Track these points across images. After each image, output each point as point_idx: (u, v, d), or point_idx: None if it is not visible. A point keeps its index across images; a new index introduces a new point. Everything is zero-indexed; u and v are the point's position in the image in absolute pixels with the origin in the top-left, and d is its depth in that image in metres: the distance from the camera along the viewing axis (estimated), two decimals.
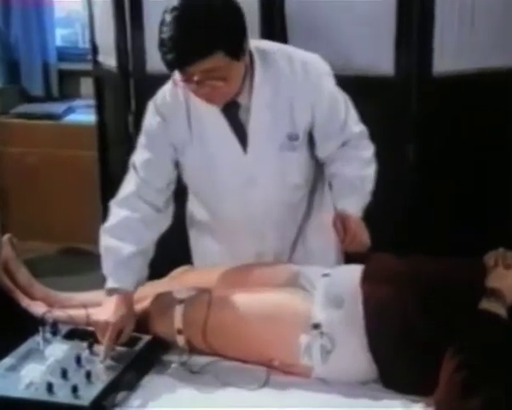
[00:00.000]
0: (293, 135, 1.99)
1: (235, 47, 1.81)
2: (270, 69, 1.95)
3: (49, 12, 4.31)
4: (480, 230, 2.76)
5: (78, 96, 4.35)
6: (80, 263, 3.69)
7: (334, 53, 2.49)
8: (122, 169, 2.08)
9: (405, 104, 2.80)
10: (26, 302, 2.09)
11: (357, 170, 2.04)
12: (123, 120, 3.05)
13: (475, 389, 1.55)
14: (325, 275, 1.90)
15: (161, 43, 1.79)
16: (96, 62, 3.38)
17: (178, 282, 2.07)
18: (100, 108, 3.44)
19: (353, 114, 2.08)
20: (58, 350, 1.81)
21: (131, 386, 1.73)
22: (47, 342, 1.85)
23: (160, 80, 2.04)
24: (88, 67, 3.54)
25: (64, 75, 4.38)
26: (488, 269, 1.78)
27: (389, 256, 1.93)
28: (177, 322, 1.86)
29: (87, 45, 3.73)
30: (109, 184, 3.11)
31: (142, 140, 2.05)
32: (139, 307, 1.94)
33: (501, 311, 1.68)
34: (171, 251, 2.17)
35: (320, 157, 2.08)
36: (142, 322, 1.91)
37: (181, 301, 1.88)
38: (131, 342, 1.83)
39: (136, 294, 1.92)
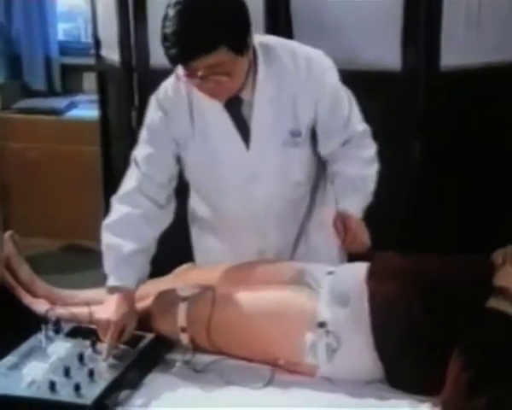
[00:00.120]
0: (295, 131, 2.00)
1: (239, 42, 1.81)
2: (274, 65, 1.95)
3: (51, 6, 4.31)
4: (488, 225, 2.75)
5: (81, 91, 4.35)
6: (83, 260, 3.69)
7: (339, 48, 2.50)
8: (125, 165, 2.08)
9: (412, 99, 2.79)
10: (28, 300, 2.10)
11: (359, 169, 2.04)
12: (126, 115, 3.05)
13: (482, 388, 1.55)
14: (330, 273, 1.90)
15: (164, 38, 1.79)
16: (98, 57, 3.38)
17: (182, 279, 2.07)
18: (103, 103, 3.44)
19: (357, 113, 2.08)
20: (61, 348, 1.81)
21: (134, 385, 1.73)
22: (49, 340, 1.85)
23: (163, 75, 2.04)
24: (90, 61, 3.54)
25: (66, 70, 4.38)
26: (496, 267, 1.77)
27: (394, 254, 1.92)
28: (181, 320, 1.86)
29: (89, 39, 3.74)
30: (112, 179, 3.11)
31: (143, 135, 2.05)
32: (142, 305, 1.94)
33: (509, 310, 1.67)
34: (174, 248, 2.17)
35: (322, 154, 2.08)
36: (146, 320, 1.91)
37: (184, 299, 1.88)
38: (134, 340, 1.83)
39: (139, 292, 1.92)
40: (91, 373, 1.68)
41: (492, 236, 1.92)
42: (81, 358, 1.75)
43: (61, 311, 2.00)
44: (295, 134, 2.00)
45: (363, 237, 1.93)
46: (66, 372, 1.69)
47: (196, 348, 1.86)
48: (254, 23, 1.87)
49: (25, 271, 2.17)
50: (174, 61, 1.82)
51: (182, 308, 1.87)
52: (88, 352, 1.78)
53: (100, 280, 1.99)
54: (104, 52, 3.33)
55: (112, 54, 3.16)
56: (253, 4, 1.87)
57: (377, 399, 1.68)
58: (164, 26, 1.79)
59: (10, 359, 1.77)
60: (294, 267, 1.99)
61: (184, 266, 2.18)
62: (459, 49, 2.74)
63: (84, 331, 1.87)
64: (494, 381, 1.56)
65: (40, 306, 2.06)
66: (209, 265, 2.15)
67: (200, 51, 1.76)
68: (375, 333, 1.72)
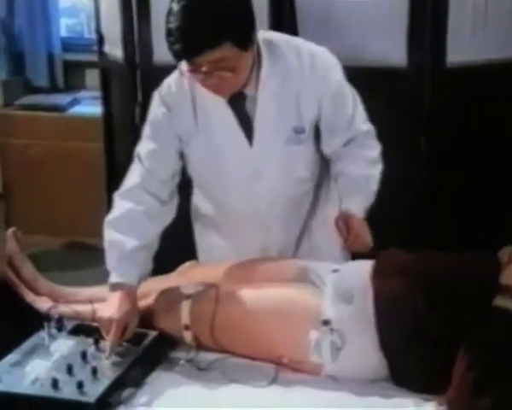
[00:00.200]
0: (299, 128, 2.00)
1: (244, 37, 1.82)
2: (278, 61, 1.95)
3: (53, 1, 4.32)
4: (493, 224, 2.75)
5: (84, 88, 4.36)
6: (85, 257, 3.70)
7: (344, 44, 2.50)
8: (128, 161, 2.08)
9: (418, 96, 2.79)
10: (30, 297, 2.10)
11: (362, 169, 2.04)
12: (129, 111, 3.06)
13: (487, 388, 1.55)
14: (335, 270, 1.91)
15: (168, 34, 1.79)
16: (101, 53, 3.38)
17: (185, 277, 2.07)
18: (106, 100, 3.44)
19: (361, 112, 2.07)
20: (63, 346, 1.82)
21: (138, 383, 1.73)
22: (52, 337, 1.85)
23: (167, 71, 2.05)
24: (93, 57, 3.55)
25: (69, 66, 4.38)
26: (502, 265, 1.77)
27: (399, 251, 1.92)
28: (185, 318, 1.86)
29: (92, 36, 3.73)
30: (115, 176, 3.11)
31: (146, 130, 2.05)
32: (145, 302, 1.94)
33: None
34: (177, 246, 2.17)
35: (325, 153, 2.08)
36: (149, 318, 1.92)
37: (188, 297, 1.88)
38: (138, 338, 1.83)
39: (142, 289, 1.92)
40: (94, 371, 1.68)
41: (498, 234, 1.91)
42: (84, 356, 1.75)
43: (63, 309, 2.00)
44: (299, 131, 2.00)
45: (366, 237, 1.93)
46: (69, 370, 1.69)
47: (200, 346, 1.86)
48: (258, 19, 1.87)
49: (27, 268, 2.17)
50: (178, 56, 1.82)
51: (185, 306, 1.87)
52: (91, 350, 1.79)
53: (102, 278, 2.00)
54: (107, 48, 3.33)
55: (115, 50, 3.17)
56: (257, 0, 1.87)
57: (382, 397, 1.68)
58: (168, 21, 1.79)
59: (13, 356, 1.77)
60: (298, 265, 2.00)
61: (188, 264, 2.18)
62: (465, 46, 2.74)
63: (86, 329, 1.88)
64: (500, 380, 1.56)
65: (43, 303, 2.06)
66: (212, 262, 2.16)
67: (204, 47, 1.76)
68: (380, 331, 1.72)
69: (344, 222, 1.90)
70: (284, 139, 2.00)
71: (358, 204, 1.98)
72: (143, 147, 2.04)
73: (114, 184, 2.09)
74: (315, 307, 1.79)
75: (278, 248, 2.15)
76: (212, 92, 1.91)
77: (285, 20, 2.80)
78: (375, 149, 2.09)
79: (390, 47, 2.75)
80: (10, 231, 2.19)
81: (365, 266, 1.87)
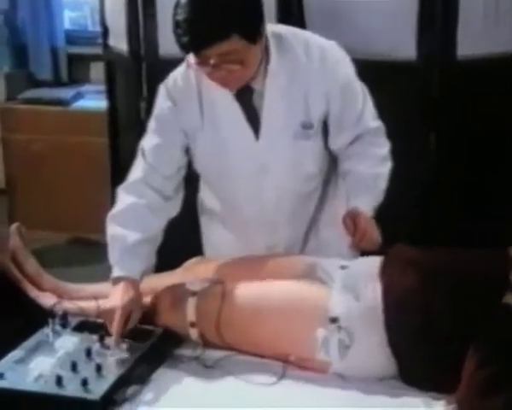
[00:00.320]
0: (307, 123, 2.00)
1: (252, 30, 1.82)
2: (286, 55, 1.96)
3: None
4: (503, 219, 2.74)
5: (88, 81, 4.36)
6: (90, 253, 3.70)
7: (353, 36, 2.50)
8: (133, 156, 2.08)
9: (427, 90, 2.79)
10: (34, 293, 2.10)
11: (371, 168, 2.04)
12: (134, 105, 3.06)
13: (498, 387, 1.54)
14: (342, 267, 1.91)
15: (176, 26, 1.80)
16: (106, 46, 3.38)
17: (191, 273, 2.08)
18: (110, 94, 3.44)
19: (371, 108, 2.07)
20: (68, 343, 1.82)
21: (143, 380, 1.74)
22: (56, 334, 1.85)
23: (172, 65, 2.05)
24: (98, 50, 3.55)
25: (73, 59, 4.39)
26: None
27: (408, 247, 1.92)
28: (190, 315, 1.86)
29: (97, 28, 3.74)
30: (120, 171, 3.12)
31: (151, 125, 2.06)
32: (151, 298, 1.95)
33: None
34: (183, 241, 2.18)
35: (332, 149, 2.08)
36: (154, 315, 1.92)
37: (194, 293, 1.88)
38: (143, 335, 1.84)
39: (147, 285, 1.93)
40: (99, 368, 1.69)
41: (508, 231, 1.91)
42: (89, 352, 1.76)
43: (68, 305, 2.01)
44: (307, 126, 2.00)
45: (374, 235, 1.92)
46: (74, 367, 1.69)
47: (206, 343, 1.86)
48: (266, 12, 1.87)
49: (31, 264, 2.17)
50: (186, 48, 1.82)
51: (191, 303, 1.87)
52: (95, 347, 1.79)
53: (107, 274, 2.00)
54: (112, 41, 3.33)
55: (120, 43, 3.17)
56: None
57: (390, 396, 1.68)
58: (176, 14, 1.80)
59: (17, 353, 1.77)
60: (305, 261, 2.00)
61: (193, 260, 2.19)
62: (476, 38, 2.73)
63: (91, 326, 1.88)
64: (511, 379, 1.55)
65: (47, 299, 2.07)
66: (219, 258, 2.16)
67: (212, 39, 1.77)
68: (389, 328, 1.72)
69: (351, 220, 1.90)
70: (291, 134, 2.00)
71: (366, 203, 1.98)
72: (148, 141, 2.05)
73: (119, 180, 2.10)
74: (322, 304, 1.79)
75: (285, 245, 2.15)
76: (220, 85, 1.91)
77: (293, 13, 2.80)
78: (384, 147, 2.09)
79: (399, 40, 2.74)
80: (14, 226, 2.19)
81: (374, 263, 1.87)
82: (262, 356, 1.83)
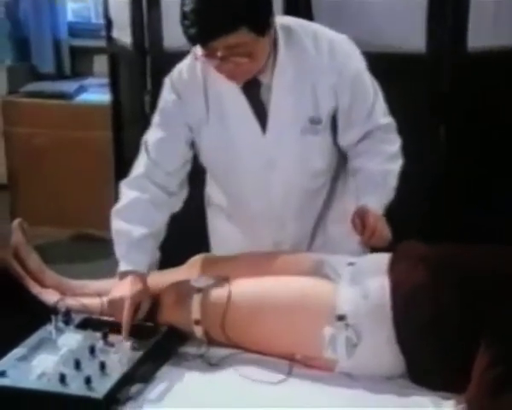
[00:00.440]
0: (315, 118, 2.00)
1: (261, 22, 1.82)
2: (295, 47, 1.95)
3: None
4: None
5: (91, 74, 4.37)
6: (93, 250, 3.71)
7: (361, 28, 2.49)
8: (137, 151, 2.09)
9: (437, 82, 2.78)
10: (36, 290, 2.11)
11: (381, 165, 2.02)
12: (138, 99, 3.06)
13: (508, 386, 1.54)
14: (350, 264, 1.91)
15: (183, 17, 1.80)
16: (109, 38, 3.39)
17: (196, 270, 2.08)
18: (114, 87, 3.45)
19: (381, 104, 2.06)
20: (71, 340, 1.82)
21: (147, 378, 1.74)
22: (59, 331, 1.86)
23: (177, 57, 2.05)
24: (101, 43, 3.56)
25: (76, 52, 4.40)
26: None
27: (417, 243, 1.92)
28: (195, 312, 1.87)
29: (100, 20, 3.75)
30: (124, 166, 3.12)
31: (155, 118, 2.07)
32: (155, 295, 1.95)
33: None
34: (187, 238, 2.18)
35: (341, 145, 2.07)
36: (158, 312, 1.93)
37: (199, 291, 1.89)
38: (147, 332, 1.84)
39: (152, 282, 1.94)
40: (103, 366, 1.69)
41: None
42: (92, 350, 1.76)
43: (71, 302, 2.02)
44: (315, 121, 2.00)
45: (383, 233, 1.91)
46: (77, 365, 1.70)
47: (211, 341, 1.87)
48: (273, 4, 1.87)
49: (33, 260, 2.18)
50: (193, 40, 1.82)
51: (196, 300, 1.88)
52: (99, 344, 1.79)
53: (111, 270, 2.01)
54: (115, 33, 3.33)
55: (124, 35, 3.17)
56: None
57: (398, 395, 1.68)
58: (183, 4, 1.79)
59: (19, 350, 1.78)
60: (312, 258, 2.00)
61: (198, 257, 2.19)
62: (487, 30, 2.72)
63: (95, 323, 1.89)
64: None
65: (49, 296, 2.07)
66: (224, 255, 2.16)
67: (220, 31, 1.77)
68: (397, 325, 1.72)
69: (359, 219, 1.89)
70: (299, 129, 2.00)
71: (376, 201, 1.96)
72: (151, 135, 2.06)
73: (123, 175, 2.11)
74: (329, 301, 1.79)
75: (292, 241, 2.16)
76: (227, 78, 1.91)
77: (300, 4, 2.80)
78: (394, 144, 2.07)
79: (408, 32, 2.74)
80: (16, 222, 2.20)
81: (382, 259, 1.87)
82: (268, 354, 1.83)
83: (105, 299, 1.93)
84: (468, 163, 2.82)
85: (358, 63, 2.01)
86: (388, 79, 2.09)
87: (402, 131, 2.10)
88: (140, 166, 2.04)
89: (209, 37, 1.79)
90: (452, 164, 2.82)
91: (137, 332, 1.83)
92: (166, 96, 2.04)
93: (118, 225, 1.98)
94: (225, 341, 1.86)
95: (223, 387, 1.73)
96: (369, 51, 2.06)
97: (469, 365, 1.61)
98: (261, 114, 2.00)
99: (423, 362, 1.71)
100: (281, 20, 1.98)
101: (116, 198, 2.05)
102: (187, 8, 1.78)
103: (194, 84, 2.00)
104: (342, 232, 2.06)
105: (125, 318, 1.81)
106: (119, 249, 1.95)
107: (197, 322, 1.87)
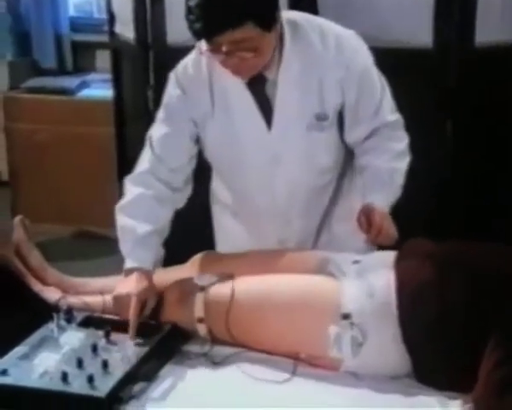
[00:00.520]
0: (321, 115, 2.00)
1: (267, 17, 1.82)
2: (301, 42, 1.95)
3: None
4: None
5: (93, 70, 4.38)
6: (95, 247, 3.72)
7: (367, 23, 2.49)
8: (140, 147, 2.10)
9: (444, 78, 2.78)
10: (38, 287, 2.11)
11: (388, 163, 2.02)
12: (141, 95, 3.07)
13: None
14: (355, 262, 1.91)
15: (188, 11, 1.80)
16: (112, 33, 3.40)
17: (199, 268, 2.08)
18: (117, 83, 3.46)
19: (389, 101, 2.06)
20: (73, 338, 1.83)
21: (150, 377, 1.74)
22: (61, 329, 1.86)
23: (181, 52, 2.06)
24: (104, 38, 3.56)
25: (78, 47, 4.41)
26: None
27: (423, 241, 1.92)
28: (199, 310, 1.87)
29: (102, 15, 3.76)
30: (126, 163, 3.13)
31: (160, 113, 2.07)
32: (159, 293, 1.96)
33: None
34: (191, 235, 2.19)
35: (348, 142, 2.07)
36: (161, 310, 1.93)
37: (202, 289, 1.89)
38: (151, 330, 1.85)
39: (156, 280, 1.94)
40: (105, 365, 1.69)
41: None
42: (94, 348, 1.76)
43: (73, 300, 2.02)
44: (321, 118, 2.00)
45: (389, 231, 1.91)
46: (79, 363, 1.70)
47: (215, 339, 1.87)
48: None
49: (35, 257, 2.18)
50: (198, 35, 1.83)
51: (199, 298, 1.88)
52: (102, 342, 1.80)
53: (113, 268, 2.02)
54: (118, 28, 3.34)
55: (126, 30, 3.18)
56: None
57: (404, 395, 1.68)
58: None
59: (21, 349, 1.78)
60: (317, 256, 2.00)
61: (202, 254, 2.19)
62: (495, 25, 2.72)
63: (97, 321, 1.89)
64: None
65: (51, 294, 2.07)
66: (228, 252, 2.17)
67: (225, 26, 1.77)
68: (403, 325, 1.72)
69: (365, 216, 1.90)
70: (305, 125, 2.00)
71: (382, 199, 1.97)
72: (156, 131, 2.06)
73: (126, 171, 2.11)
74: (334, 300, 1.79)
75: (297, 239, 2.16)
76: (232, 73, 1.91)
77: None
78: (402, 141, 2.07)
79: (415, 27, 2.74)
80: (18, 218, 2.20)
81: (388, 257, 1.88)
82: (272, 353, 1.83)
83: (107, 297, 1.94)
84: (476, 158, 2.82)
85: (366, 59, 2.01)
86: (395, 74, 2.09)
87: (409, 126, 2.10)
88: (144, 162, 2.05)
89: (214, 31, 1.79)
90: (459, 160, 2.82)
91: (141, 330, 1.83)
92: (171, 91, 2.04)
93: (122, 221, 1.99)
94: (229, 339, 1.86)
95: (226, 386, 1.73)
96: (375, 46, 2.06)
97: (476, 364, 1.61)
98: (266, 109, 2.00)
99: (429, 361, 1.71)
100: (287, 14, 1.97)
101: (120, 195, 2.06)
102: (192, 3, 1.78)
103: (199, 79, 2.00)
104: (348, 230, 2.06)
105: (131, 316, 1.81)
106: (125, 246, 1.96)
107: (201, 320, 1.87)
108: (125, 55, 3.37)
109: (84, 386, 1.63)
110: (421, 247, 1.89)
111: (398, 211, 1.99)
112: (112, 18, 3.37)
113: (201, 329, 1.88)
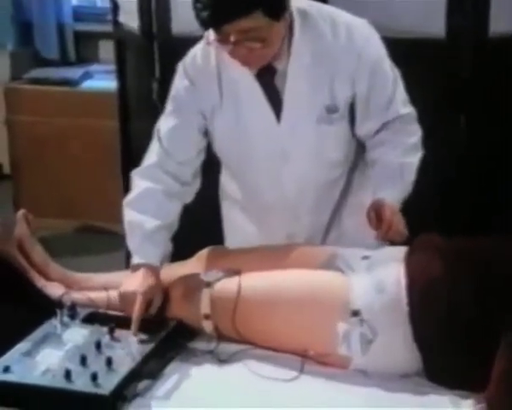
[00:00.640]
0: (332, 107, 2.00)
1: (276, 6, 1.82)
2: (311, 32, 1.95)
3: None
4: None
5: (97, 61, 4.39)
6: (99, 242, 3.74)
7: (378, 12, 2.49)
8: (145, 140, 2.10)
9: (457, 68, 2.78)
10: (41, 283, 2.12)
11: (399, 157, 2.02)
12: (146, 86, 3.07)
13: None
14: (365, 257, 1.91)
15: (196, 0, 1.80)
16: (116, 23, 3.39)
17: (205, 263, 2.09)
18: (121, 74, 3.45)
19: (402, 93, 2.05)
20: (77, 335, 1.83)
21: (155, 374, 1.75)
22: (65, 326, 1.87)
23: (187, 43, 2.06)
24: (107, 28, 3.56)
25: (81, 37, 4.41)
26: None
27: (434, 236, 1.92)
28: (205, 307, 1.88)
29: (106, 4, 3.75)
30: (131, 156, 3.15)
31: (168, 105, 2.08)
32: (165, 288, 1.96)
33: None
34: (197, 230, 2.19)
35: (359, 135, 2.07)
36: (166, 306, 1.94)
37: (208, 284, 1.90)
38: (156, 327, 1.85)
39: (162, 275, 1.95)
40: (109, 362, 1.70)
41: None
42: (98, 345, 1.77)
43: (76, 295, 2.03)
44: (331, 110, 2.00)
45: (399, 227, 1.91)
46: (83, 361, 1.71)
47: (221, 336, 1.87)
48: None
49: (38, 253, 2.19)
50: (205, 24, 1.83)
51: (205, 294, 1.89)
52: (105, 339, 1.81)
53: (117, 263, 2.03)
54: (122, 18, 3.34)
55: (131, 20, 3.18)
56: None
57: (415, 394, 1.69)
58: None
59: (24, 345, 1.79)
60: (326, 251, 2.01)
61: (208, 249, 2.20)
62: (509, 14, 2.72)
63: (101, 317, 1.90)
64: None
65: (54, 289, 2.08)
66: (234, 248, 2.18)
67: (233, 14, 1.77)
68: (414, 322, 1.72)
69: (375, 212, 1.90)
70: (315, 118, 2.00)
71: (393, 195, 1.96)
72: (164, 123, 2.07)
73: (130, 165, 2.12)
74: (343, 296, 1.79)
75: (306, 234, 2.16)
76: (241, 64, 1.92)
77: None
78: (414, 135, 2.07)
79: (427, 15, 2.73)
80: (20, 213, 2.20)
81: (398, 253, 1.88)
82: (279, 350, 1.83)
83: (112, 292, 1.95)
84: (489, 148, 2.81)
85: (378, 48, 2.01)
86: (407, 63, 2.09)
87: (421, 117, 2.10)
88: (152, 155, 2.05)
89: (222, 20, 1.79)
90: (473, 150, 2.81)
91: (145, 327, 1.84)
92: (179, 82, 2.05)
93: (130, 216, 1.99)
94: (235, 336, 1.87)
95: (233, 384, 1.74)
96: (387, 36, 2.06)
97: (488, 362, 1.61)
98: (276, 101, 2.00)
99: (441, 360, 1.71)
100: (296, 3, 1.96)
101: (123, 189, 2.07)
102: None
103: (207, 69, 2.01)
104: (357, 226, 2.06)
105: (135, 313, 1.82)
106: (132, 242, 1.97)
107: (207, 317, 1.88)
108: (129, 45, 3.37)
109: (88, 384, 1.64)
110: (431, 242, 1.89)
111: (407, 207, 1.99)
112: (115, 7, 3.37)
113: (207, 326, 1.89)
